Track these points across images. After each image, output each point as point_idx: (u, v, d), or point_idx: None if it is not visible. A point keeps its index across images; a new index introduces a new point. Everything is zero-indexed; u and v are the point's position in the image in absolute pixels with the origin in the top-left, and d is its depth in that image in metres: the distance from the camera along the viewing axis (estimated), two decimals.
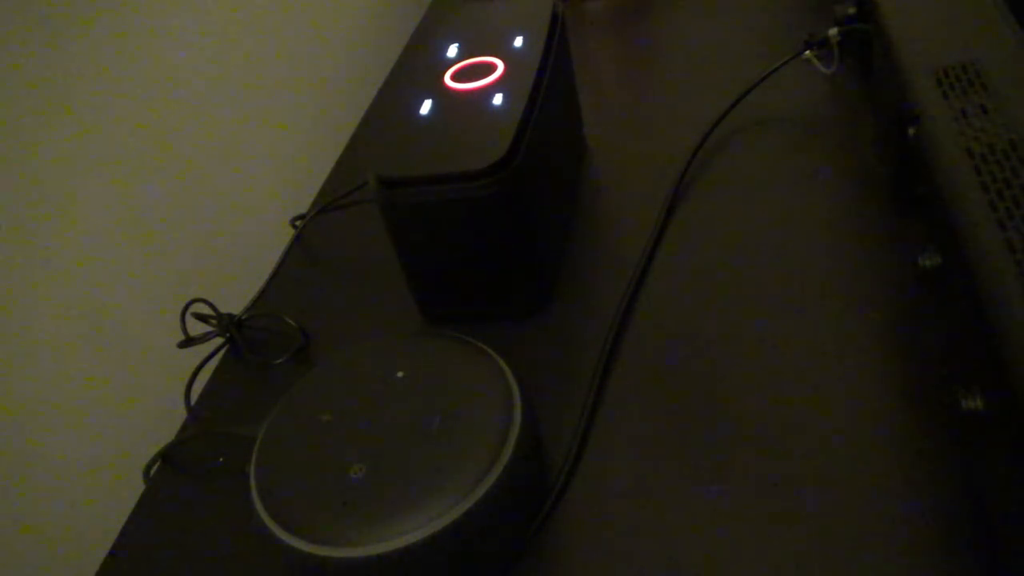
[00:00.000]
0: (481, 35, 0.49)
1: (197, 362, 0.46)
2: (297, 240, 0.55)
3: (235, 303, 0.51)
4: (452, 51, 0.48)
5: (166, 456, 0.42)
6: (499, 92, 0.43)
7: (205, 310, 0.48)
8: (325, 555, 0.30)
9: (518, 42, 0.47)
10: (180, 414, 0.46)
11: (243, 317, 0.48)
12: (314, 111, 0.73)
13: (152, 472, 0.42)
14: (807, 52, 0.52)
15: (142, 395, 0.52)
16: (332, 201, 0.57)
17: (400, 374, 0.36)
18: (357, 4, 0.82)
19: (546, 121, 0.44)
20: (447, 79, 0.45)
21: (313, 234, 0.55)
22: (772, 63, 0.54)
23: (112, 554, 0.39)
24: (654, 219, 0.48)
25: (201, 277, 0.58)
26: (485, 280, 0.43)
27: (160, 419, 0.50)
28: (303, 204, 0.60)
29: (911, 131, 0.36)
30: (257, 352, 0.47)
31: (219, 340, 0.48)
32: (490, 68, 0.45)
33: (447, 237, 0.41)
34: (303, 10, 0.72)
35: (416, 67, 0.48)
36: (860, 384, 0.37)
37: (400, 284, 0.49)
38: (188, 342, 0.46)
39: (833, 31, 0.50)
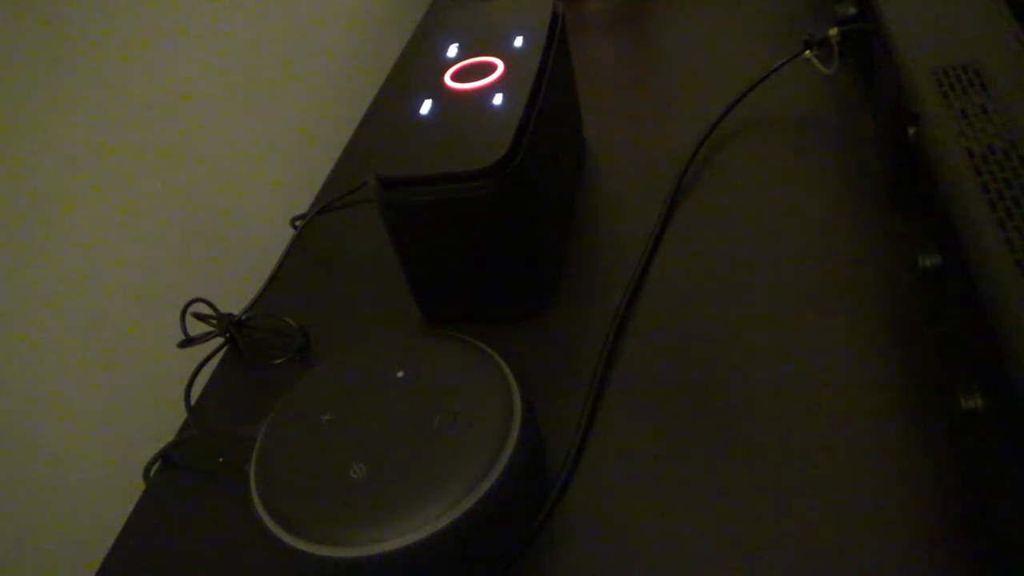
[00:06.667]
0: (481, 35, 0.49)
1: (197, 362, 0.46)
2: (297, 240, 0.55)
3: (235, 303, 0.51)
4: (452, 51, 0.48)
5: (166, 456, 0.42)
6: (499, 92, 0.43)
7: (205, 310, 0.48)
8: (325, 555, 0.30)
9: (518, 42, 0.47)
10: (180, 414, 0.46)
11: (243, 317, 0.48)
12: (314, 111, 0.73)
13: (152, 472, 0.42)
14: (807, 52, 0.52)
15: (142, 395, 0.52)
16: (332, 201, 0.57)
17: (400, 374, 0.36)
18: (357, 4, 0.82)
19: (546, 121, 0.44)
20: (447, 79, 0.45)
21: (313, 234, 0.55)
22: (772, 63, 0.54)
23: (112, 554, 0.39)
24: (654, 219, 0.48)
25: (201, 277, 0.58)
26: (485, 280, 0.43)
27: (160, 419, 0.50)
28: (303, 204, 0.60)
29: (911, 131, 0.36)
30: (257, 352, 0.47)
31: (219, 340, 0.48)
32: (490, 68, 0.45)
33: (447, 237, 0.41)
34: (303, 10, 0.72)
35: (416, 67, 0.48)
36: (860, 384, 0.37)
37: (400, 284, 0.49)
38: (188, 342, 0.46)
39: (833, 31, 0.50)
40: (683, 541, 0.33)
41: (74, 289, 0.48)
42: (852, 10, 0.50)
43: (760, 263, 0.44)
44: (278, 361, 0.46)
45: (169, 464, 0.42)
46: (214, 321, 0.47)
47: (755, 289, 0.43)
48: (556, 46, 0.47)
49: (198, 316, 0.47)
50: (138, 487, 0.42)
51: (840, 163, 0.49)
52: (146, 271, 0.53)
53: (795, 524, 0.33)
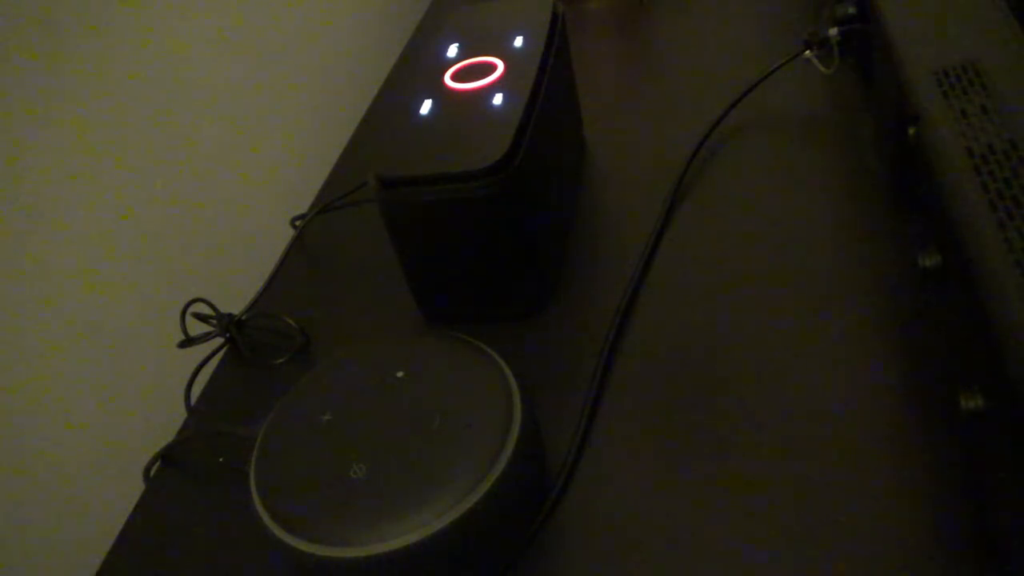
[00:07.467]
0: (481, 35, 0.49)
1: (197, 362, 0.46)
2: (297, 240, 0.55)
3: (235, 303, 0.51)
4: (452, 51, 0.48)
5: (166, 456, 0.42)
6: (499, 92, 0.43)
7: (205, 310, 0.48)
8: (325, 555, 0.30)
9: (518, 42, 0.47)
10: (180, 414, 0.46)
11: (243, 317, 0.48)
12: (314, 111, 0.73)
13: (152, 472, 0.42)
14: (807, 52, 0.52)
15: (142, 395, 0.52)
16: (332, 201, 0.57)
17: (400, 374, 0.36)
18: (357, 4, 0.82)
19: (546, 121, 0.44)
20: (447, 79, 0.45)
21: (313, 234, 0.55)
22: (772, 63, 0.54)
23: (112, 554, 0.39)
24: (654, 219, 0.48)
25: (201, 277, 0.58)
26: (485, 280, 0.43)
27: (160, 419, 0.50)
28: (303, 204, 0.60)
29: (911, 131, 0.36)
30: (257, 352, 0.47)
31: (219, 340, 0.48)
32: (490, 68, 0.45)
33: (447, 237, 0.41)
34: (303, 10, 0.72)
35: (416, 67, 0.48)
36: (860, 384, 0.37)
37: (400, 284, 0.49)
38: (188, 342, 0.46)
39: (833, 31, 0.50)
40: (683, 541, 0.33)
41: (74, 289, 0.48)
42: (852, 10, 0.50)
43: (760, 263, 0.44)
44: (278, 361, 0.46)
45: (169, 464, 0.42)
46: (214, 321, 0.47)
47: (755, 289, 0.43)
48: (556, 46, 0.47)
49: (198, 316, 0.47)
50: (138, 487, 0.42)
51: (840, 163, 0.49)
52: (146, 271, 0.53)
53: (794, 522, 0.33)
